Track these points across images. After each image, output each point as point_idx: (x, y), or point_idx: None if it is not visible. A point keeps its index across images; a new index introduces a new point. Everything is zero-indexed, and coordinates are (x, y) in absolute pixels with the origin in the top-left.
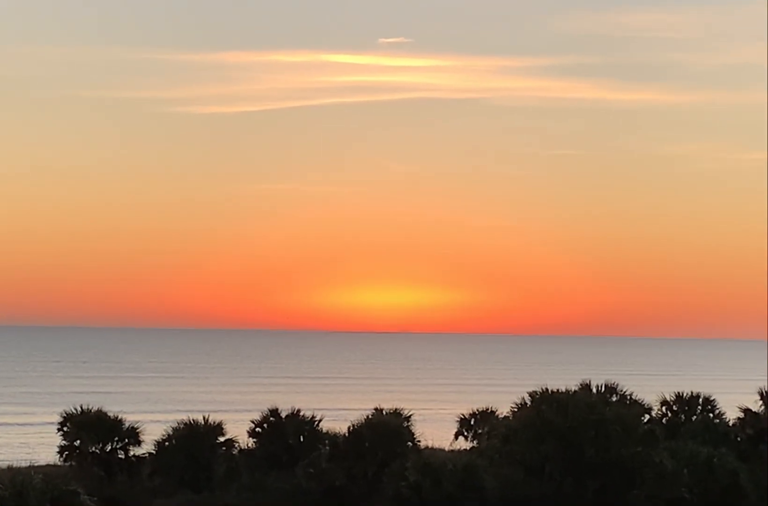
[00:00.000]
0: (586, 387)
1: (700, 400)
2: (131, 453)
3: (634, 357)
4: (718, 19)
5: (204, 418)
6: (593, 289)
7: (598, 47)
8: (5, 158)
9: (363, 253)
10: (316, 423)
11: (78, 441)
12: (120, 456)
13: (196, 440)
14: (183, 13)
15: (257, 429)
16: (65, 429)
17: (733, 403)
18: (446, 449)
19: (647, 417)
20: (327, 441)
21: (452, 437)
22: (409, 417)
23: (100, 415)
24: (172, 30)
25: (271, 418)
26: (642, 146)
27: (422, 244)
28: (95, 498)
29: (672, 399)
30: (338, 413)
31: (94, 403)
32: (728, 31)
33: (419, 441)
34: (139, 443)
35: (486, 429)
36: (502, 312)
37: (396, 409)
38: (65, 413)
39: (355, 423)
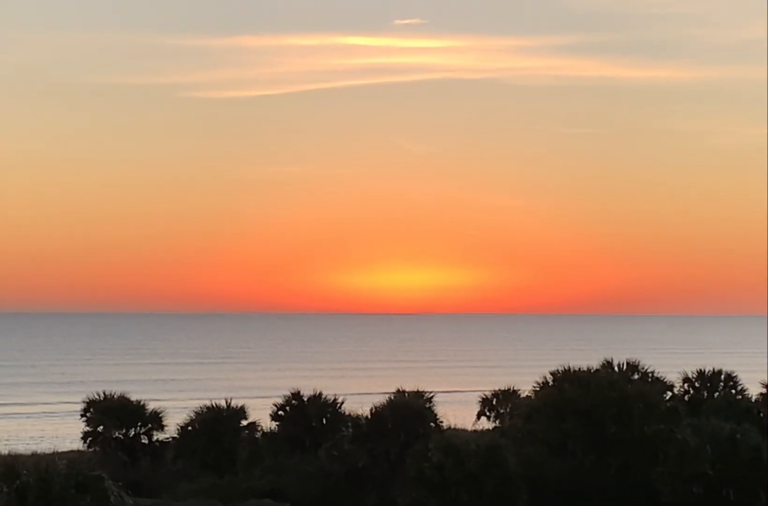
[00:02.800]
0: (607, 365)
1: (722, 376)
2: (154, 437)
3: (654, 334)
4: None
5: (227, 402)
6: (609, 266)
7: (610, 25)
8: (27, 144)
9: (382, 234)
10: (339, 405)
11: (101, 427)
12: (143, 440)
13: (219, 424)
14: None
15: (280, 412)
16: (88, 414)
17: (755, 379)
18: (469, 429)
19: (669, 394)
20: (349, 423)
21: (474, 417)
22: (431, 397)
23: (123, 400)
24: (186, 15)
25: (294, 401)
26: (656, 122)
27: (440, 224)
28: (119, 483)
29: (694, 375)
30: (360, 397)
31: (116, 389)
32: (741, 7)
33: (442, 422)
34: (162, 427)
35: (508, 408)
36: (521, 292)
37: (418, 390)
38: (88, 399)
39: (378, 404)
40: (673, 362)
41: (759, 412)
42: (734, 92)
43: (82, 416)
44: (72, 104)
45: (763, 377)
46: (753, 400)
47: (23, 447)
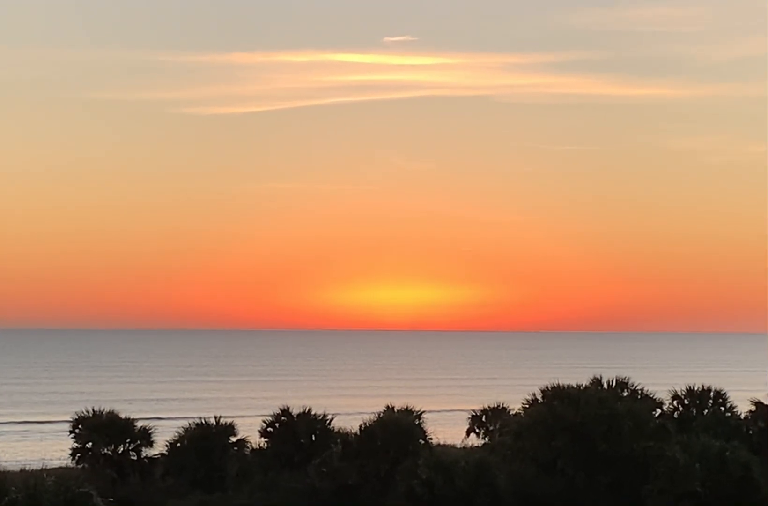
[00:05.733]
0: (597, 382)
1: (712, 394)
2: (143, 454)
3: (651, 352)
4: (724, 13)
5: (216, 419)
6: (606, 284)
7: (603, 43)
8: (17, 160)
9: (374, 251)
10: (328, 421)
11: (90, 443)
12: (132, 457)
13: (208, 440)
14: (189, 15)
15: (269, 429)
16: (77, 431)
17: (745, 396)
18: (458, 446)
19: (659, 411)
20: (339, 440)
21: (464, 434)
22: (421, 414)
23: (112, 417)
24: (178, 32)
25: (283, 418)
26: (649, 140)
27: (433, 241)
28: (108, 500)
29: (683, 393)
30: (349, 414)
31: (105, 405)
32: (734, 24)
33: (431, 439)
34: (151, 444)
35: (498, 425)
36: (515, 309)
37: (407, 407)
38: (77, 415)
39: (367, 421)
40: (671, 381)
41: (748, 429)
42: (729, 110)
43: (71, 432)
44: (64, 120)
45: (755, 395)
46: (742, 418)
47: (12, 463)
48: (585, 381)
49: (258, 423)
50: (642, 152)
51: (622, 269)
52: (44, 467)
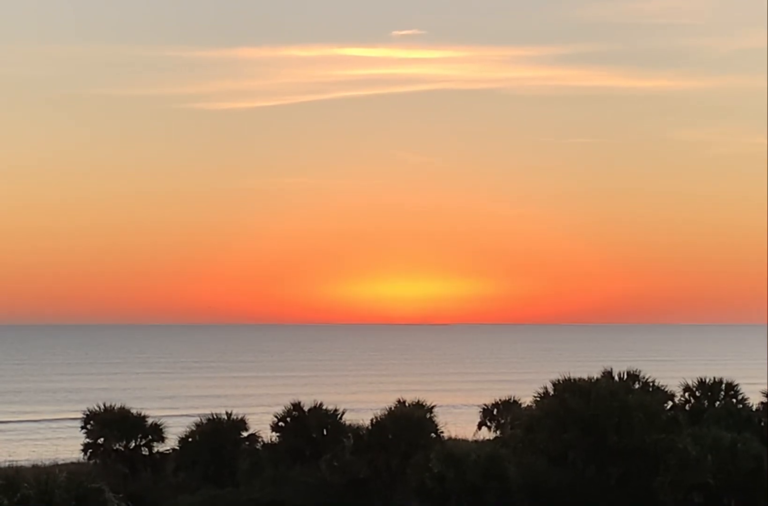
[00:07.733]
0: (608, 375)
1: (723, 386)
2: (155, 449)
3: (656, 344)
4: (729, 5)
5: (227, 413)
6: (611, 276)
7: (610, 35)
8: (23, 156)
9: (381, 245)
10: (339, 416)
11: (102, 439)
12: (144, 452)
13: (219, 435)
14: (196, 10)
15: (280, 423)
16: (89, 426)
17: (757, 389)
18: (469, 439)
19: (670, 403)
20: (350, 434)
21: (475, 428)
22: (432, 408)
23: (124, 412)
24: (185, 27)
25: (294, 412)
26: (654, 132)
27: (439, 235)
28: (120, 495)
29: (695, 385)
30: (360, 409)
31: (116, 400)
32: (740, 17)
33: (442, 432)
34: (162, 439)
35: (509, 418)
36: (521, 301)
37: (418, 401)
38: (88, 410)
39: (378, 415)
40: (681, 373)
41: (760, 421)
42: (734, 101)
43: (82, 428)
44: (70, 116)
45: (764, 387)
46: (754, 409)
47: (24, 459)
48: (596, 374)
49: (269, 418)
50: (647, 143)
51: (627, 261)
52: (56, 462)
